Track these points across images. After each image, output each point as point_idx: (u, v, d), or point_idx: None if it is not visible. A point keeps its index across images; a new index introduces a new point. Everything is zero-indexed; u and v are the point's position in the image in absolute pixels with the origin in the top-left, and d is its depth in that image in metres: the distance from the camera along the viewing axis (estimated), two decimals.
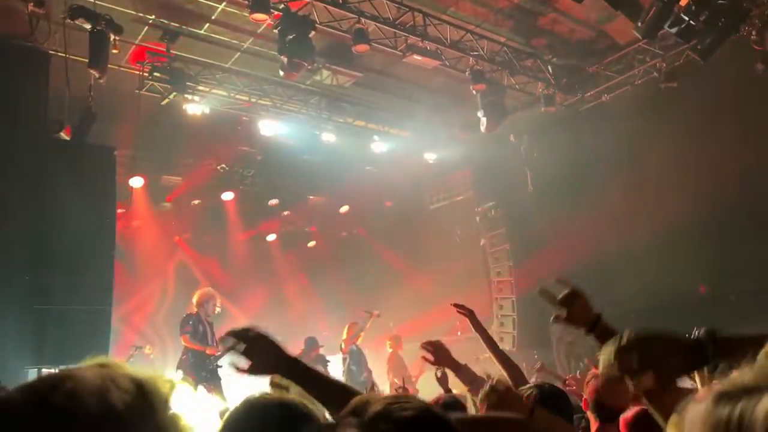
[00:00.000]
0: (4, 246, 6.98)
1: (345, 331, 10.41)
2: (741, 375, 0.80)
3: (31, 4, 7.29)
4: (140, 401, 0.77)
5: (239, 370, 1.67)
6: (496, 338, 12.15)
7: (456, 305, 3.77)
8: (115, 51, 7.74)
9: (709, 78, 9.34)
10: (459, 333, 11.79)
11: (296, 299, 14.80)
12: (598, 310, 1.96)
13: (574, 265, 10.68)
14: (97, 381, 0.76)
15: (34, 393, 0.75)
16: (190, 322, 8.33)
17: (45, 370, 7.15)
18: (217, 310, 8.68)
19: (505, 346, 11.73)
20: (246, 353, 1.67)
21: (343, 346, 10.28)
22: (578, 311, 1.93)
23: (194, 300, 8.63)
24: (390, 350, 11.11)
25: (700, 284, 9.99)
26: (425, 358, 3.58)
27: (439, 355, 3.61)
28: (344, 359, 10.20)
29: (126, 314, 11.62)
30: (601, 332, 1.86)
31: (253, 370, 1.66)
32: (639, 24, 8.08)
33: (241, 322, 13.99)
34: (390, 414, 1.03)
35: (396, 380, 10.66)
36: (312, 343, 10.29)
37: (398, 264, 14.49)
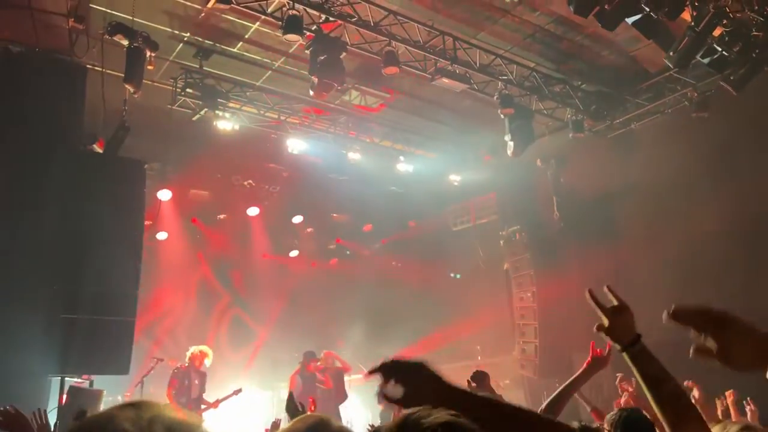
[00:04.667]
0: (35, 255, 7.11)
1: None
2: None
3: (72, 20, 7.52)
4: None
5: (389, 400, 1.49)
6: (517, 365, 11.96)
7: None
8: (150, 67, 7.92)
9: (741, 109, 9.21)
10: (479, 358, 11.69)
11: (316, 316, 14.78)
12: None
13: (599, 293, 10.51)
14: (130, 428, 0.78)
15: None
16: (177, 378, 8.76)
17: (68, 379, 7.23)
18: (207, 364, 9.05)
19: (527, 373, 11.56)
20: (402, 382, 1.50)
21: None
22: (621, 325, 1.81)
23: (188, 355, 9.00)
24: None
25: None
26: None
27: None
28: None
29: (148, 326, 11.71)
30: (638, 353, 1.76)
31: (408, 401, 1.47)
32: (671, 53, 8.03)
33: (260, 336, 14.04)
34: None
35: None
36: (308, 357, 10.20)
37: (420, 285, 14.42)
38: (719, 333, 1.28)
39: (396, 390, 1.47)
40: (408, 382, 1.47)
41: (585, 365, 3.20)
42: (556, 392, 3.28)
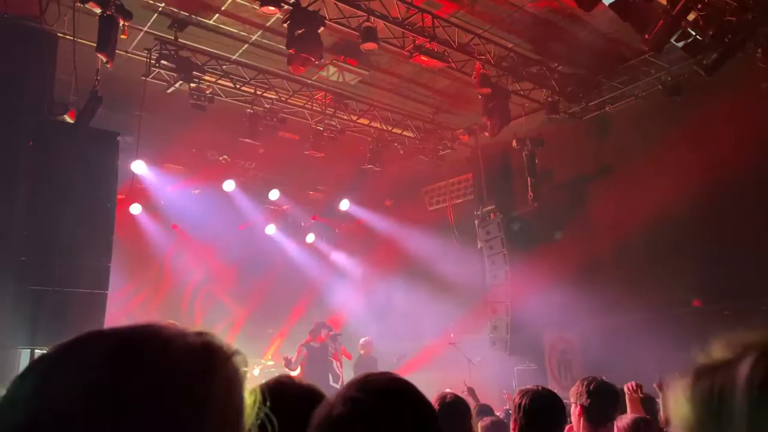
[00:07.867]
0: (4, 226, 7.00)
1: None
2: (717, 353, 0.84)
3: None
4: (204, 354, 0.81)
5: None
6: (488, 342, 12.21)
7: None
8: (123, 37, 7.77)
9: (713, 93, 9.38)
10: (452, 335, 11.83)
11: (290, 292, 14.80)
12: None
13: (571, 272, 10.73)
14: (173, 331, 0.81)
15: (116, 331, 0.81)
16: None
17: (38, 351, 7.17)
18: None
19: (498, 350, 11.76)
20: None
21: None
22: None
23: None
24: (362, 352, 11.11)
25: (694, 298, 10.03)
26: None
27: None
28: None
29: (120, 299, 11.62)
30: None
31: None
32: (646, 36, 8.10)
33: (234, 313, 14.03)
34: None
35: None
36: (320, 326, 10.30)
37: (395, 263, 14.50)
38: None
39: None
40: None
41: None
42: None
